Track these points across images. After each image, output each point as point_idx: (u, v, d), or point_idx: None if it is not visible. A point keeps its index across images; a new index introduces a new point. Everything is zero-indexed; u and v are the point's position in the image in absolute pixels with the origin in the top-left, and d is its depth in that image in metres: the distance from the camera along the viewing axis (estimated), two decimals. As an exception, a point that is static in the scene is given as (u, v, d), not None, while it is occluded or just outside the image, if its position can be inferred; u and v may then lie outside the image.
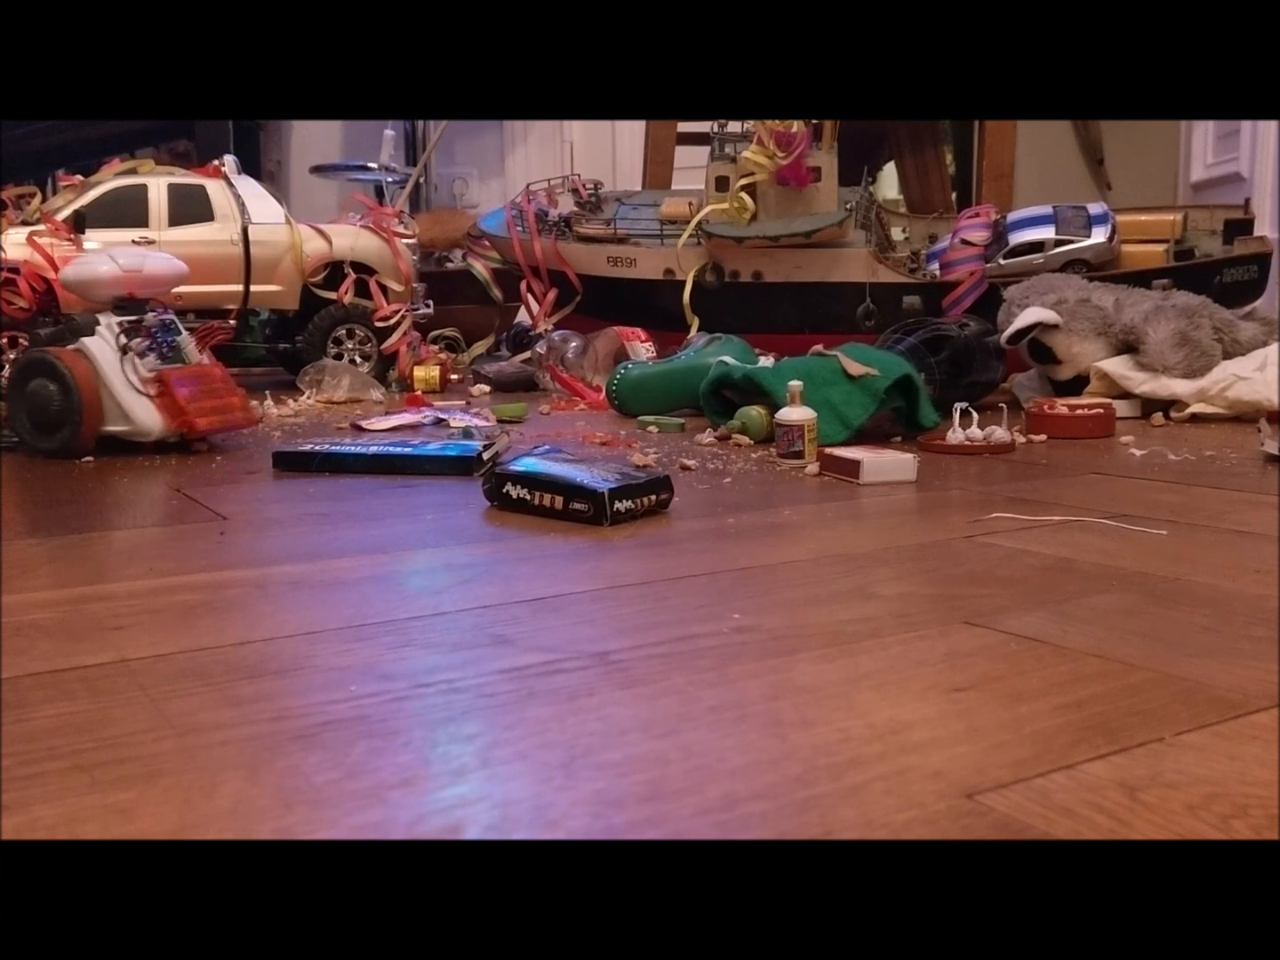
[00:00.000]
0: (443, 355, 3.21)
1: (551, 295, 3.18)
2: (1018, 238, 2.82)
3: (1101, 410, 1.92)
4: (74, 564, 1.08)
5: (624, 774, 0.59)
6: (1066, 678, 0.73)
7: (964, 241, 2.80)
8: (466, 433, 1.87)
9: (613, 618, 0.88)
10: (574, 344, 2.79)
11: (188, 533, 1.22)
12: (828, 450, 1.58)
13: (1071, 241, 2.79)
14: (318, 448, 1.65)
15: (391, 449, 1.63)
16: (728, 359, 2.06)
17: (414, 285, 3.11)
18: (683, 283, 2.98)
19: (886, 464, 1.48)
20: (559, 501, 1.24)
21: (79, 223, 2.69)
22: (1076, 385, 2.23)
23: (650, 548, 1.13)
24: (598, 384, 2.60)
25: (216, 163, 3.02)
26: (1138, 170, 3.86)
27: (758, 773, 0.59)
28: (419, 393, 2.76)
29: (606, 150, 4.93)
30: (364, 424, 2.09)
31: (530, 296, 3.23)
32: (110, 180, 2.84)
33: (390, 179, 4.24)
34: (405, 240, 3.11)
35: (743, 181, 2.92)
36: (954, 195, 3.81)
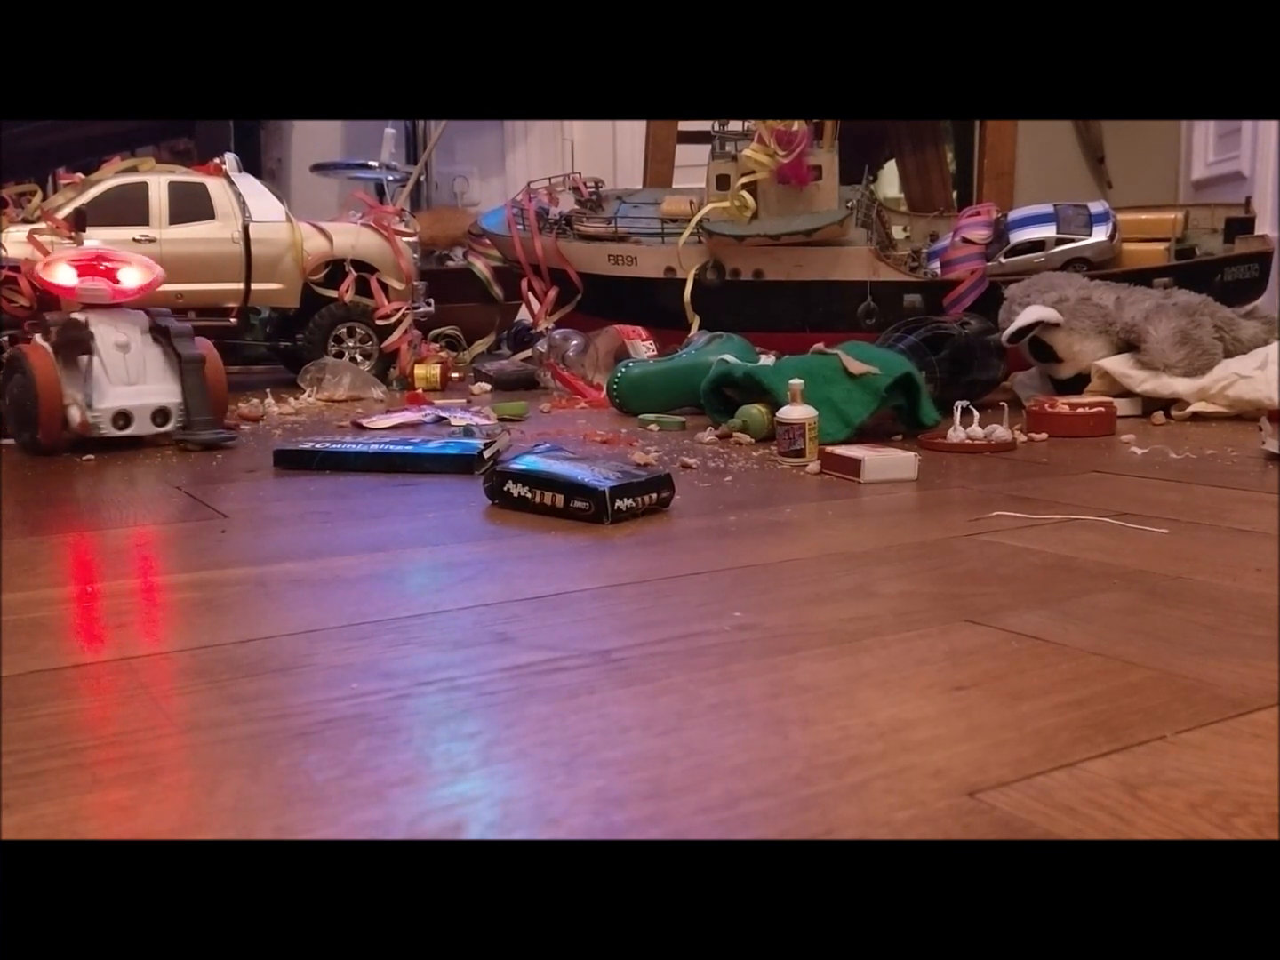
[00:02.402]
0: (443, 354, 3.21)
1: (552, 293, 3.17)
2: (1019, 236, 2.81)
3: (1102, 409, 1.92)
4: (75, 561, 1.08)
5: (625, 772, 0.59)
6: (1068, 676, 0.73)
7: (965, 240, 2.80)
8: (467, 431, 1.87)
9: (614, 616, 0.88)
10: (575, 342, 2.79)
11: (189, 531, 1.22)
12: (829, 448, 1.58)
13: (1072, 240, 2.78)
14: (318, 446, 1.65)
15: (392, 447, 1.63)
16: (729, 357, 2.06)
17: (415, 283, 3.11)
18: (683, 281, 2.98)
19: (887, 462, 1.48)
20: (560, 500, 1.24)
21: (79, 221, 2.69)
22: (1077, 384, 2.23)
23: (651, 546, 1.13)
24: (598, 382, 2.60)
25: (217, 161, 3.03)
26: (1139, 169, 3.85)
27: (759, 771, 0.59)
28: (420, 391, 2.76)
29: (607, 148, 4.92)
30: (365, 422, 2.09)
31: (531, 295, 3.23)
32: (111, 178, 2.85)
33: (391, 177, 4.24)
34: (406, 238, 3.11)
35: (744, 180, 2.91)
36: (955, 194, 3.80)
